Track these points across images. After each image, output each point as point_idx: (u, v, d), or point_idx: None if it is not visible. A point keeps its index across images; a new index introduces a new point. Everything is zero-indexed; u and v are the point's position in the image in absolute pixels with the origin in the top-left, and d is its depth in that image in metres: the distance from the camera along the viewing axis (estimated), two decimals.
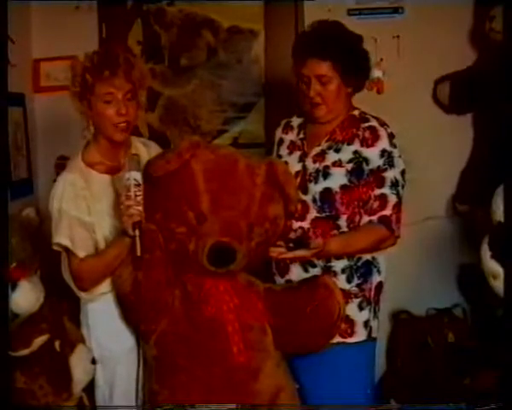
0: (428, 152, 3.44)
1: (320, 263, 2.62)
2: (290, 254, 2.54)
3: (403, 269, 3.25)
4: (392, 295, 2.86)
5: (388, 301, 2.83)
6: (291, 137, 2.76)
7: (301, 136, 2.73)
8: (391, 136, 2.62)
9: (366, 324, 2.64)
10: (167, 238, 2.48)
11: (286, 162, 2.70)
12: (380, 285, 2.68)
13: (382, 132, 2.61)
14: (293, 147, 2.73)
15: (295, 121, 2.78)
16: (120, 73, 2.52)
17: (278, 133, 2.82)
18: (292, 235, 2.63)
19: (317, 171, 2.62)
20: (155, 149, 2.74)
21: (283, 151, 2.76)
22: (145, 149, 2.71)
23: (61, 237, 2.52)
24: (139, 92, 2.60)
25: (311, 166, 2.64)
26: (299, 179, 2.65)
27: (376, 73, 3.44)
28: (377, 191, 2.58)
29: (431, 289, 3.50)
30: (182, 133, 3.66)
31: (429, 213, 3.50)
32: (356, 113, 2.68)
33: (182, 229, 2.48)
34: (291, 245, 2.58)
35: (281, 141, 2.79)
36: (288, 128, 2.79)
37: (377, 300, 2.68)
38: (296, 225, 2.62)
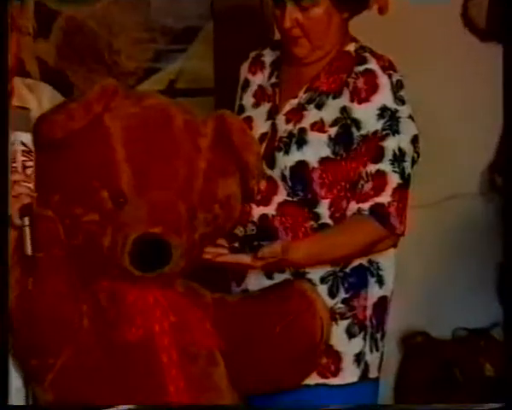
0: (455, 101, 3.50)
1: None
2: (230, 258, 2.60)
3: (417, 271, 3.32)
4: (401, 310, 2.93)
5: (397, 319, 2.87)
6: (260, 79, 2.80)
7: (273, 80, 2.77)
8: (397, 86, 2.62)
9: (358, 358, 2.67)
10: (71, 229, 2.52)
11: (249, 118, 2.75)
12: (382, 302, 2.70)
13: (383, 80, 2.61)
14: (261, 95, 2.78)
15: (268, 56, 2.82)
16: None
17: (244, 71, 2.85)
18: (250, 226, 2.68)
19: (290, 135, 2.66)
20: (50, 97, 2.75)
21: (247, 100, 2.80)
22: (34, 97, 2.72)
23: None
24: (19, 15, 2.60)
25: (283, 126, 2.68)
26: (264, 145, 2.69)
27: None
28: (371, 167, 2.58)
29: (459, 301, 3.55)
30: (90, 73, 3.67)
31: (456, 189, 3.57)
32: (351, 48, 2.69)
33: (92, 216, 2.52)
34: (236, 245, 2.65)
35: (246, 83, 2.83)
36: (257, 65, 2.82)
37: (378, 323, 2.70)
38: (257, 210, 2.67)
